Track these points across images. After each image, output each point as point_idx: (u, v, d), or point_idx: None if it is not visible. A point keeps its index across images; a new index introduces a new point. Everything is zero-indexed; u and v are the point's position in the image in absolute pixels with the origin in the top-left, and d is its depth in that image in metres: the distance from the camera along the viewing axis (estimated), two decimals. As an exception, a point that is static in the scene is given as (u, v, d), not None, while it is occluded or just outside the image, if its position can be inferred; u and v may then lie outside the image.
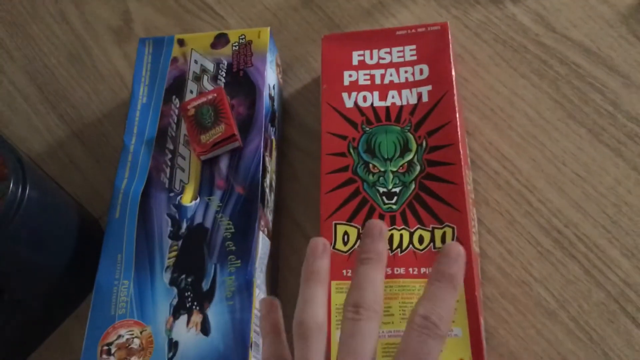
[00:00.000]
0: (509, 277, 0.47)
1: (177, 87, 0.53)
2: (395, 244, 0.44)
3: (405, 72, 0.51)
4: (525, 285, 0.46)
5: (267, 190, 0.49)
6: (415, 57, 0.51)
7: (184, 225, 0.46)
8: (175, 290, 0.44)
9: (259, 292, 0.44)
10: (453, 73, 0.50)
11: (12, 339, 0.47)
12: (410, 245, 0.44)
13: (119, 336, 0.43)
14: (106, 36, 0.65)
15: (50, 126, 0.61)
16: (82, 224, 0.50)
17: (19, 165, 0.43)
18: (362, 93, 0.51)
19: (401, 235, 0.45)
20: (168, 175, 0.49)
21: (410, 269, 0.43)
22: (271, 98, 0.52)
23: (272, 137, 0.52)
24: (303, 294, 0.34)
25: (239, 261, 0.44)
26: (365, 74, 0.52)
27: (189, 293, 0.44)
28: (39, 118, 0.62)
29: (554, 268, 0.46)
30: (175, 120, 0.51)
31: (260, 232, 0.46)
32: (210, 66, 0.53)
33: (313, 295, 0.34)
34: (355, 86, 0.51)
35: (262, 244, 0.46)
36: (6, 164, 0.42)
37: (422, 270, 0.43)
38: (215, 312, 0.43)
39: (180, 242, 0.46)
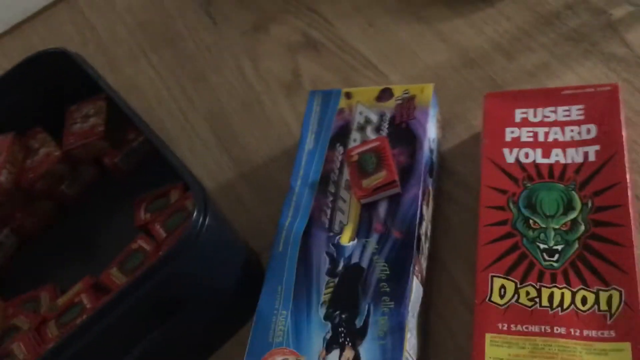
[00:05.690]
0: (683, 353, 0.43)
1: (341, 135, 0.56)
2: (556, 303, 0.43)
3: (571, 130, 0.50)
4: (703, 364, 0.42)
5: (423, 238, 0.50)
6: (582, 117, 0.51)
7: (341, 264, 0.48)
8: (329, 324, 0.46)
9: (410, 336, 0.44)
10: (624, 134, 0.49)
11: (179, 355, 0.51)
12: (572, 306, 0.43)
13: (275, 362, 0.45)
14: (276, 89, 0.71)
15: (222, 168, 0.67)
16: (246, 256, 0.54)
17: (202, 197, 0.47)
18: (524, 150, 0.51)
19: (562, 294, 0.43)
20: (329, 216, 0.51)
21: (572, 330, 0.42)
22: (431, 150, 0.54)
23: (430, 188, 0.53)
24: None
25: (392, 303, 0.45)
26: (528, 131, 0.52)
27: (342, 329, 0.45)
28: (213, 160, 0.68)
29: None
30: (338, 166, 0.54)
31: (415, 277, 0.46)
32: (374, 117, 0.56)
33: None
34: (517, 142, 0.51)
35: (416, 289, 0.46)
36: (193, 195, 0.47)
37: (585, 332, 0.41)
38: (367, 350, 0.43)
39: (336, 280, 0.48)
